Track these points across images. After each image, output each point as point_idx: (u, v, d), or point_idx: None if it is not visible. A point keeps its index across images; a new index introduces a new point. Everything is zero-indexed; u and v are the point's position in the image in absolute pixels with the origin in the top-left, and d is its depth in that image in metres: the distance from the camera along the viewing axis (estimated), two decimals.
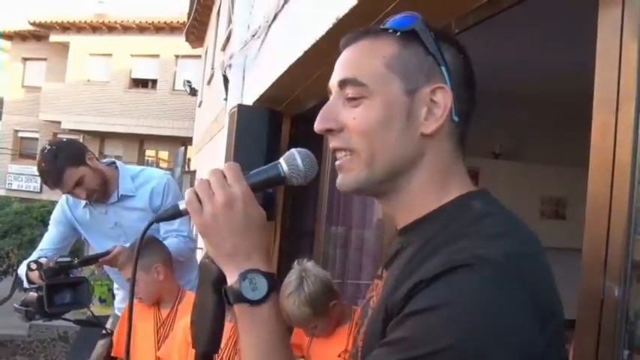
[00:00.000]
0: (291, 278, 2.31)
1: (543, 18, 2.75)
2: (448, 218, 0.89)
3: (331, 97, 0.97)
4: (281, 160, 0.97)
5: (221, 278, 0.94)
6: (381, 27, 0.95)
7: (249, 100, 4.77)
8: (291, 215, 4.81)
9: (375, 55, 0.91)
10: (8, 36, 23.75)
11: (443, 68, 0.90)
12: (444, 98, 0.90)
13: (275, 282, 0.91)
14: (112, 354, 2.77)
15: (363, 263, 3.99)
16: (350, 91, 0.92)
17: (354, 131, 0.91)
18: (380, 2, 2.05)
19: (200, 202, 0.91)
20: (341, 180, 0.96)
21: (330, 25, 2.48)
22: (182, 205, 0.95)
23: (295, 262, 2.40)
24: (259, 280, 0.89)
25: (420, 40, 0.91)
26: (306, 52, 2.95)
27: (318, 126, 0.95)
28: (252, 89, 4.74)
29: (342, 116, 0.93)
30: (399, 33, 0.92)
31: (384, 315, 0.84)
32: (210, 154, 9.28)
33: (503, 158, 5.81)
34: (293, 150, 0.98)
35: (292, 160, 0.96)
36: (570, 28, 2.57)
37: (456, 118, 0.91)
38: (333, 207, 3.95)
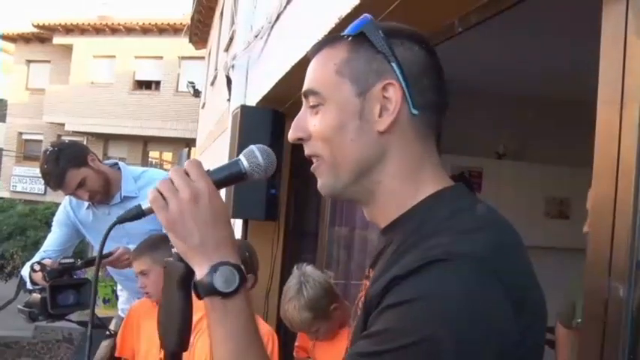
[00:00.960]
0: (290, 283, 2.32)
1: (547, 17, 2.74)
2: (424, 215, 0.91)
3: (302, 108, 1.02)
4: (241, 156, 1.00)
5: (187, 276, 0.94)
6: (340, 34, 0.98)
7: (252, 101, 4.78)
8: (295, 216, 4.81)
9: (327, 64, 0.95)
10: (12, 38, 23.83)
11: (393, 64, 0.92)
12: (395, 93, 0.91)
13: (244, 275, 0.92)
14: (116, 354, 2.76)
15: (366, 264, 3.98)
16: (311, 100, 0.97)
17: (316, 137, 0.96)
18: (382, 1, 2.05)
19: (165, 199, 0.92)
20: (319, 186, 1.00)
21: (333, 25, 2.48)
22: (145, 205, 0.96)
23: (295, 267, 2.41)
24: (230, 272, 0.90)
25: (369, 41, 0.93)
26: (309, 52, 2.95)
27: (290, 136, 0.99)
28: (255, 90, 4.75)
29: (308, 125, 0.97)
30: (350, 38, 0.95)
31: (364, 311, 0.87)
32: (214, 156, 9.29)
33: (507, 159, 5.79)
34: (252, 146, 1.01)
35: (252, 157, 0.99)
36: (574, 27, 2.56)
37: (414, 111, 0.92)
38: (336, 207, 3.95)
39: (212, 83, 11.48)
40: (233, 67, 5.51)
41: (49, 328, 13.18)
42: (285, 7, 3.69)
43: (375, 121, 0.92)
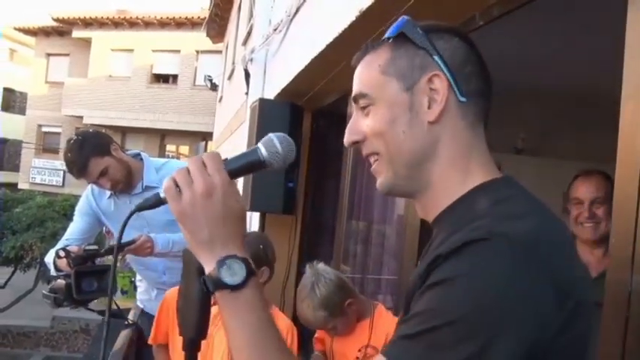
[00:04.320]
0: (304, 283, 2.32)
1: (570, 10, 2.71)
2: (470, 205, 0.92)
3: (353, 113, 1.05)
4: (259, 144, 0.99)
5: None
6: (382, 39, 1.02)
7: (270, 95, 4.78)
8: (312, 210, 4.81)
9: (371, 66, 1.00)
10: (32, 32, 24.06)
11: (435, 57, 0.95)
12: (441, 83, 0.95)
13: (252, 267, 0.92)
14: (150, 341, 2.77)
15: (383, 259, 3.98)
16: (361, 103, 1.00)
17: (371, 135, 0.99)
18: None
19: (179, 189, 0.92)
20: (378, 184, 1.02)
21: (353, 19, 2.47)
22: (163, 193, 0.95)
23: (307, 266, 2.40)
24: (237, 266, 0.90)
25: (410, 39, 0.97)
26: (328, 46, 2.95)
27: (345, 140, 1.03)
28: (273, 83, 4.75)
29: (362, 127, 1.00)
30: (390, 40, 0.99)
31: (410, 296, 0.87)
32: (231, 149, 9.32)
33: (526, 154, 5.75)
34: (271, 134, 1.01)
35: (271, 145, 0.99)
36: (597, 21, 2.54)
37: (462, 99, 0.95)
38: (354, 202, 3.95)
39: (229, 77, 11.51)
40: (251, 60, 5.52)
41: (67, 319, 13.35)
42: (305, 0, 3.69)
43: (424, 112, 0.95)
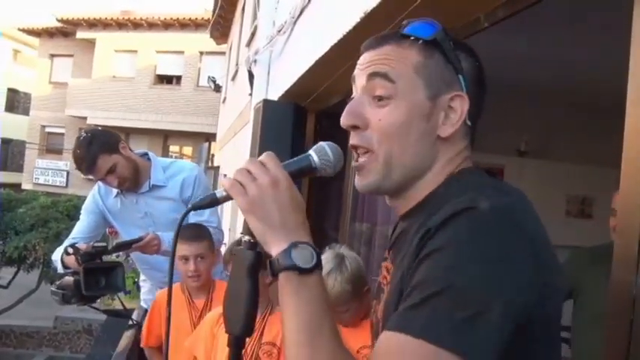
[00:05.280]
0: (327, 259, 2.30)
1: (573, 13, 2.71)
2: (449, 187, 0.96)
3: (356, 94, 1.02)
4: (311, 151, 1.00)
5: (255, 264, 0.97)
6: (402, 33, 0.99)
7: (274, 96, 4.79)
8: (315, 211, 4.81)
9: (403, 60, 0.97)
10: (36, 33, 24.11)
11: (461, 77, 0.97)
12: (461, 105, 0.97)
13: (321, 259, 0.91)
14: (142, 345, 2.79)
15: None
16: (378, 89, 0.97)
17: (378, 132, 0.97)
18: None
19: (243, 186, 0.92)
20: (359, 181, 1.02)
21: (358, 20, 2.47)
22: (220, 193, 0.96)
23: (327, 248, 2.40)
24: (308, 252, 0.89)
25: (441, 49, 0.97)
26: (332, 48, 2.95)
27: (344, 121, 1.00)
28: (277, 85, 4.76)
29: (368, 114, 0.98)
30: (420, 41, 0.97)
31: (401, 277, 0.90)
32: (234, 150, 9.33)
33: (529, 156, 5.74)
34: (322, 143, 1.01)
35: (323, 153, 1.00)
36: (602, 24, 2.54)
37: (469, 123, 0.99)
38: (357, 203, 3.95)
39: (233, 78, 11.52)
40: (255, 62, 5.52)
41: (69, 319, 13.36)
42: (310, 1, 3.69)
43: (438, 127, 0.97)
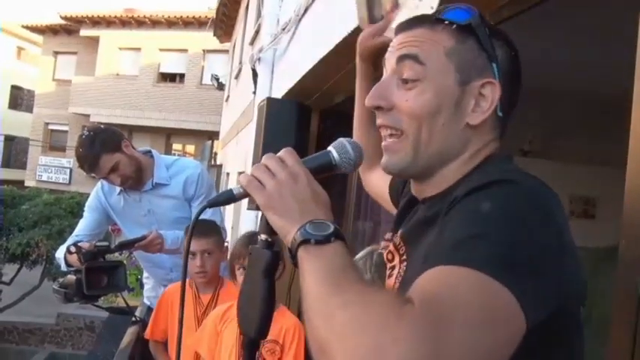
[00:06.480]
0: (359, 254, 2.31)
1: (578, 12, 2.70)
2: (484, 170, 0.96)
3: (385, 74, 1.01)
4: (331, 148, 0.99)
5: (272, 263, 0.94)
6: (436, 17, 0.98)
7: (277, 94, 4.78)
8: None
9: (435, 44, 0.95)
10: (40, 30, 24.14)
11: (494, 64, 0.95)
12: (492, 93, 0.95)
13: (342, 233, 0.84)
14: (146, 336, 2.79)
15: None
16: (407, 72, 0.96)
17: (406, 113, 0.96)
18: None
19: (261, 182, 0.90)
20: (386, 161, 1.00)
21: None
22: (237, 190, 0.93)
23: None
24: (325, 225, 0.83)
25: (475, 34, 0.95)
26: (336, 46, 2.95)
27: (369, 101, 0.99)
28: (280, 83, 4.76)
29: (395, 96, 0.97)
30: (454, 26, 0.95)
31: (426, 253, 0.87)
32: (237, 148, 9.32)
33: (533, 156, 5.72)
34: (342, 139, 1.00)
35: (343, 150, 0.98)
36: (607, 23, 2.53)
37: (500, 114, 0.96)
38: (361, 202, 3.95)
39: (236, 76, 11.51)
40: (259, 60, 5.52)
41: (72, 316, 13.38)
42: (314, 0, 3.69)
43: (467, 113, 0.95)
